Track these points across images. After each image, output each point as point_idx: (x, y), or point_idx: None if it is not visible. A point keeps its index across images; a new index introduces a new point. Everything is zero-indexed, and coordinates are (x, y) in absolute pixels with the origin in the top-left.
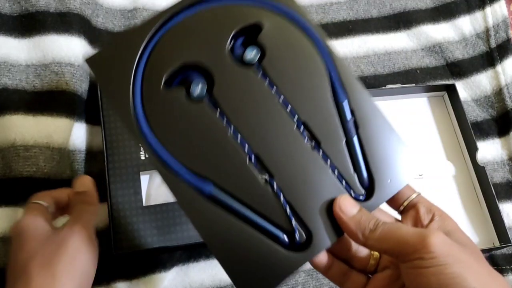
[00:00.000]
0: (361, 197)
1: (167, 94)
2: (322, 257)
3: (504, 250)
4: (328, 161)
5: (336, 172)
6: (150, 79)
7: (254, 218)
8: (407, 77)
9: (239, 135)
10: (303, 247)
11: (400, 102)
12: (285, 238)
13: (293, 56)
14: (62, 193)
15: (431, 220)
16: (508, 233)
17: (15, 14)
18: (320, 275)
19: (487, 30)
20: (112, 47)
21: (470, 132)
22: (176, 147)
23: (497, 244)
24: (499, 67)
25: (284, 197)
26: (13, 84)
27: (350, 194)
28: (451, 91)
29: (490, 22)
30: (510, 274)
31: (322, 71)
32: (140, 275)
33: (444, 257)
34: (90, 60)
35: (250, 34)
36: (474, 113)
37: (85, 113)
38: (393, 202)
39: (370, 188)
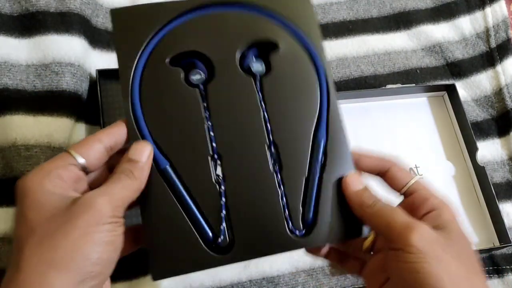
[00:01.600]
0: (297, 232)
1: (169, 69)
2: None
3: (504, 250)
4: (282, 188)
5: (283, 200)
6: (160, 50)
7: (191, 208)
8: (407, 77)
9: (211, 132)
10: (223, 251)
11: (400, 102)
12: (211, 236)
13: (294, 84)
14: (117, 141)
15: (429, 211)
16: (508, 233)
17: (16, 14)
18: (320, 275)
19: (487, 30)
20: (140, 10)
21: (470, 132)
22: (154, 117)
23: (497, 244)
24: (499, 67)
25: (226, 201)
26: (13, 84)
27: (288, 226)
28: (451, 91)
29: (490, 22)
30: (510, 274)
31: (315, 106)
32: (140, 275)
33: (423, 254)
34: (115, 11)
35: (264, 47)
36: (474, 113)
37: (85, 113)
38: (394, 186)
39: (310, 227)
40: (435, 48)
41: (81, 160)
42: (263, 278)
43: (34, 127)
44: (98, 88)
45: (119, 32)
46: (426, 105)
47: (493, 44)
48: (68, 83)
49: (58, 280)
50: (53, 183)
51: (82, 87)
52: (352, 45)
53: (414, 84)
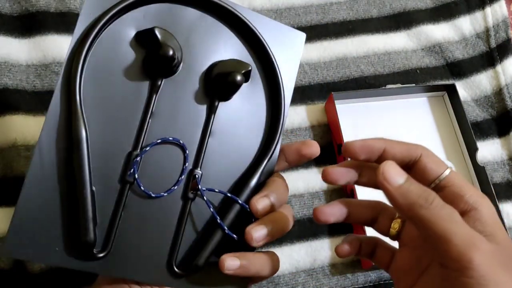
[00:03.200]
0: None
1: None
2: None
3: None
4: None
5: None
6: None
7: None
8: (407, 77)
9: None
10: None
11: (400, 102)
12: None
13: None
14: None
15: (465, 211)
16: (508, 233)
17: (16, 14)
18: (320, 275)
19: (487, 30)
20: None
21: (470, 132)
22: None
23: None
24: (499, 67)
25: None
26: (13, 84)
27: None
28: (451, 91)
29: (490, 22)
30: None
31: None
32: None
33: (485, 280)
34: None
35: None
36: (474, 113)
37: None
38: (423, 179)
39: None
40: (435, 48)
41: None
42: None
43: (34, 127)
44: None
45: None
46: (426, 105)
47: (493, 44)
48: None
49: None
50: None
51: None
52: (352, 45)
53: (414, 84)
